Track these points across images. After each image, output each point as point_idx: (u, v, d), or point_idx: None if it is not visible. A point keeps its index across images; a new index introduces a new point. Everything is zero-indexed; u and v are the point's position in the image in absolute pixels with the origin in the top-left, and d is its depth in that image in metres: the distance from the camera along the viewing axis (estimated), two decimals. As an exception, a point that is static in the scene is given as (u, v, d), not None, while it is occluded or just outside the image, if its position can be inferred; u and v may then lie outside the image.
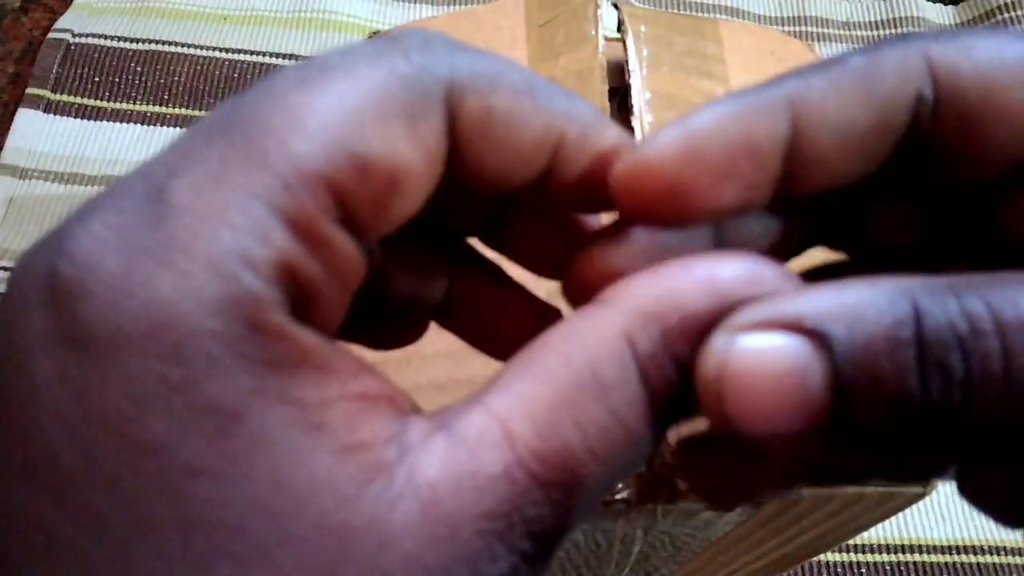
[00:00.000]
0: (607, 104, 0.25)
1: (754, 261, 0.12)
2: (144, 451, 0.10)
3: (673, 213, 0.13)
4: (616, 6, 0.27)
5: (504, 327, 0.16)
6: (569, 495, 0.12)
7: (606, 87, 0.25)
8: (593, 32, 0.26)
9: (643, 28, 0.27)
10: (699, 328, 0.12)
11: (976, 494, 0.13)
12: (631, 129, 0.25)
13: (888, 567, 0.44)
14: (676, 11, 0.62)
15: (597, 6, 0.26)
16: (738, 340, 0.11)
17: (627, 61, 0.26)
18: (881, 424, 0.11)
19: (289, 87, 0.12)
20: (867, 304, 0.11)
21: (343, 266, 0.12)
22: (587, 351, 0.12)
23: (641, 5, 0.62)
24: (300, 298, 0.12)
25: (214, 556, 0.10)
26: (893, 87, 0.13)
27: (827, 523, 0.26)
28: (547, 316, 0.16)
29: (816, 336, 0.11)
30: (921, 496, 0.23)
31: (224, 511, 0.11)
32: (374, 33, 0.29)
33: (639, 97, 0.25)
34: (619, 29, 0.27)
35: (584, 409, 0.12)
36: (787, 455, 0.12)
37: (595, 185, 0.14)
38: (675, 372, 0.12)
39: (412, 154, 0.12)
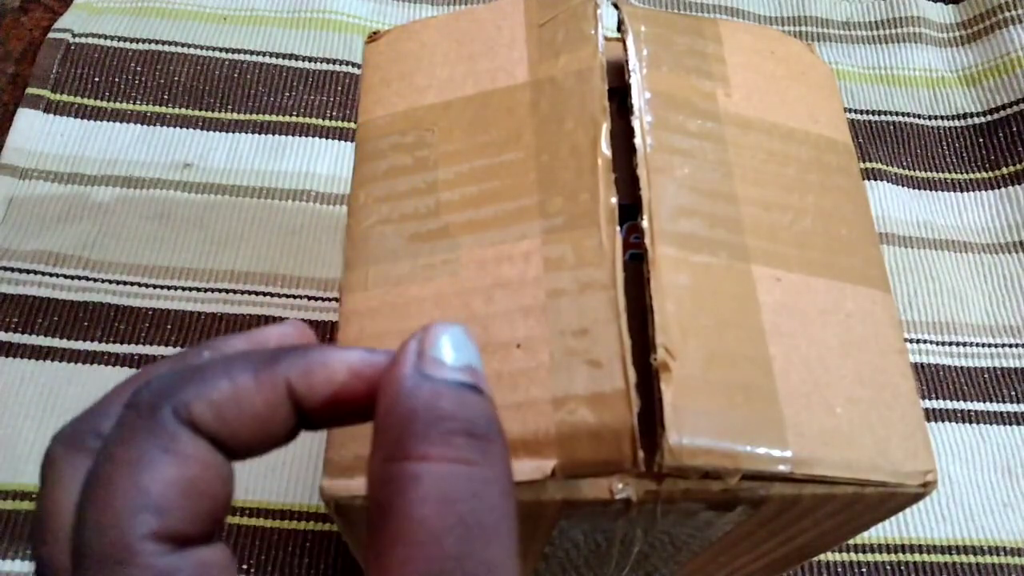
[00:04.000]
0: (607, 104, 0.25)
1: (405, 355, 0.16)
2: None
3: None
4: (616, 5, 0.27)
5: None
6: None
7: (606, 87, 0.25)
8: (593, 32, 0.26)
9: (643, 28, 0.26)
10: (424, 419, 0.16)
11: None
12: (631, 129, 0.25)
13: (888, 567, 0.44)
14: (675, 11, 0.62)
15: (597, 6, 0.26)
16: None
17: (627, 61, 0.26)
18: None
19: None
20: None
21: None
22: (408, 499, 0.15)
23: (640, 5, 0.62)
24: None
25: None
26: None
27: (827, 523, 0.25)
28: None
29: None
30: (921, 496, 0.23)
31: None
32: (374, 34, 0.29)
33: (639, 97, 0.25)
34: (619, 28, 0.27)
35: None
36: None
37: (336, 403, 0.17)
38: (464, 437, 0.15)
39: (211, 481, 0.16)
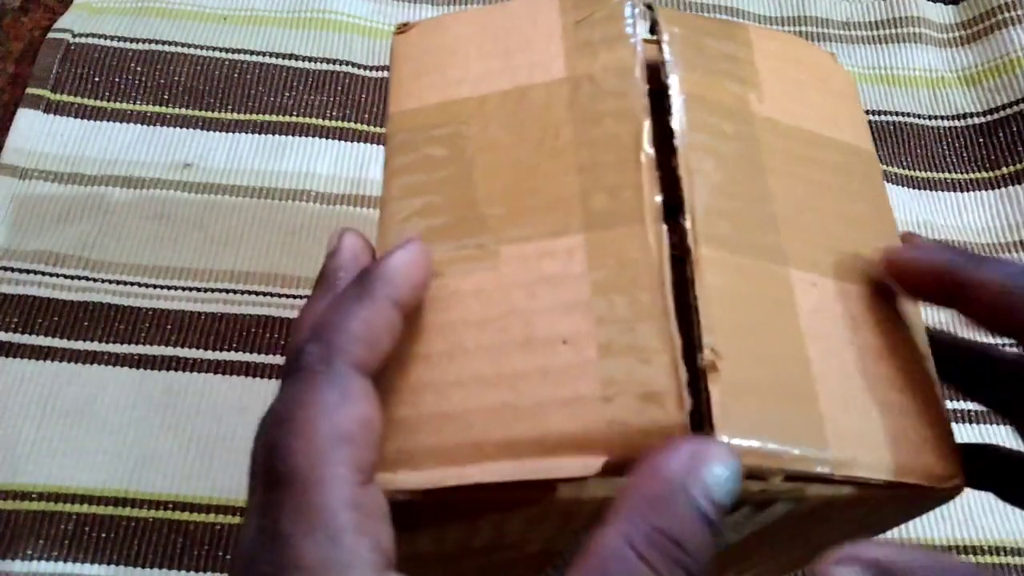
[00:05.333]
0: (647, 102, 0.24)
1: (675, 443, 0.19)
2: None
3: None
4: (650, 7, 0.27)
5: None
6: None
7: (646, 85, 0.25)
8: (630, 31, 0.26)
9: (677, 30, 0.26)
10: (666, 502, 0.19)
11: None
12: (670, 130, 0.25)
13: (888, 567, 0.44)
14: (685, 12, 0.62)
15: (634, 6, 0.26)
16: (834, 569, 0.18)
17: (663, 62, 0.25)
18: None
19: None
20: (906, 562, 0.18)
21: None
22: (598, 558, 0.18)
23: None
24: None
25: None
26: None
27: (854, 523, 0.26)
28: None
29: (879, 567, 0.18)
30: (950, 498, 0.24)
31: None
32: (403, 25, 0.29)
33: (677, 98, 0.25)
34: (652, 31, 0.26)
35: None
36: None
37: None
38: (669, 541, 0.18)
39: (377, 414, 0.21)
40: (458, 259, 0.24)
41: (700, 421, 0.21)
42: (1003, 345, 0.50)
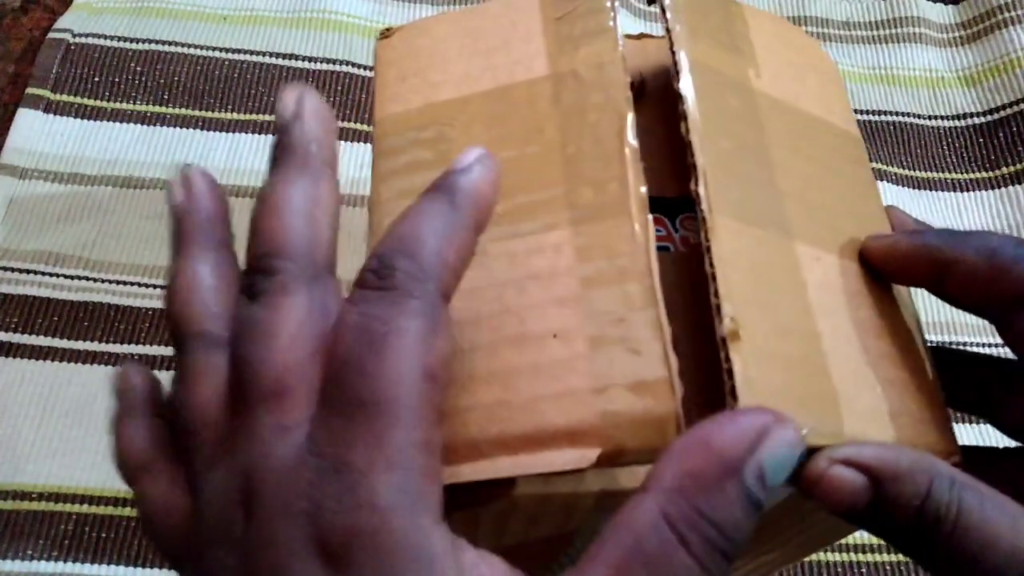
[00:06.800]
0: (630, 95, 0.24)
1: (737, 419, 0.18)
2: None
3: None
4: None
5: None
6: None
7: (628, 79, 0.25)
8: (611, 25, 0.26)
9: None
10: (714, 483, 0.17)
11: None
12: (679, 95, 0.24)
13: (888, 567, 0.44)
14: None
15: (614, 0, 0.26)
16: (832, 468, 0.20)
17: (669, 30, 0.25)
18: (889, 522, 0.21)
19: None
20: (898, 459, 0.20)
21: None
22: (632, 532, 0.17)
23: None
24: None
25: None
26: None
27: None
28: None
29: (869, 472, 0.20)
30: None
31: None
32: (387, 30, 0.29)
33: (684, 63, 0.25)
34: (650, 3, 0.26)
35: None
36: (845, 517, 0.21)
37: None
38: (710, 524, 0.17)
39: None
40: None
41: (711, 397, 0.21)
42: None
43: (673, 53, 0.25)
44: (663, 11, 0.26)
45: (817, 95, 0.28)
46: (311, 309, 0.19)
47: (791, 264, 0.24)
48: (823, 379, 0.22)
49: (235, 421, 0.19)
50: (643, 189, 0.23)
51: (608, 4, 0.26)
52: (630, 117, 0.24)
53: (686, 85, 0.24)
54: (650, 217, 0.23)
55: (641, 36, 0.29)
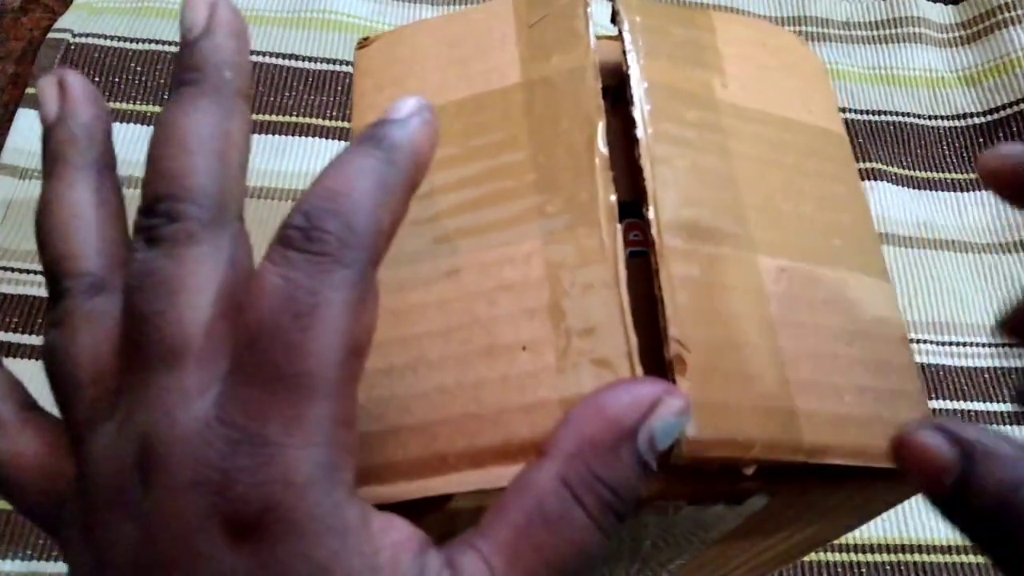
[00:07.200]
0: (601, 102, 0.25)
1: (631, 388, 0.19)
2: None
3: None
4: None
5: None
6: None
7: (599, 85, 0.25)
8: (584, 30, 0.26)
9: (638, 18, 0.26)
10: (610, 449, 0.18)
11: None
12: (628, 124, 0.25)
13: (888, 567, 0.44)
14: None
15: (587, 4, 0.26)
16: (921, 431, 0.19)
17: (624, 51, 0.26)
18: (975, 507, 0.18)
19: None
20: (996, 441, 0.18)
21: None
22: (534, 495, 0.18)
23: None
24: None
25: None
26: None
27: (835, 511, 0.26)
28: None
29: (962, 445, 0.18)
30: None
31: None
32: (364, 40, 0.29)
33: (638, 87, 0.25)
34: (613, 20, 0.27)
35: (537, 537, 0.17)
36: (927, 494, 0.19)
37: None
38: (605, 487, 0.18)
39: None
40: (420, 273, 0.24)
41: None
42: None
43: (628, 77, 0.25)
44: (620, 33, 0.26)
45: (793, 96, 0.28)
46: (219, 262, 0.18)
47: (752, 278, 0.23)
48: (781, 394, 0.22)
49: (129, 377, 0.17)
50: (612, 198, 0.23)
51: (580, 10, 0.26)
52: (600, 125, 0.24)
53: (638, 109, 0.24)
54: (619, 226, 0.23)
55: (619, 36, 0.29)
